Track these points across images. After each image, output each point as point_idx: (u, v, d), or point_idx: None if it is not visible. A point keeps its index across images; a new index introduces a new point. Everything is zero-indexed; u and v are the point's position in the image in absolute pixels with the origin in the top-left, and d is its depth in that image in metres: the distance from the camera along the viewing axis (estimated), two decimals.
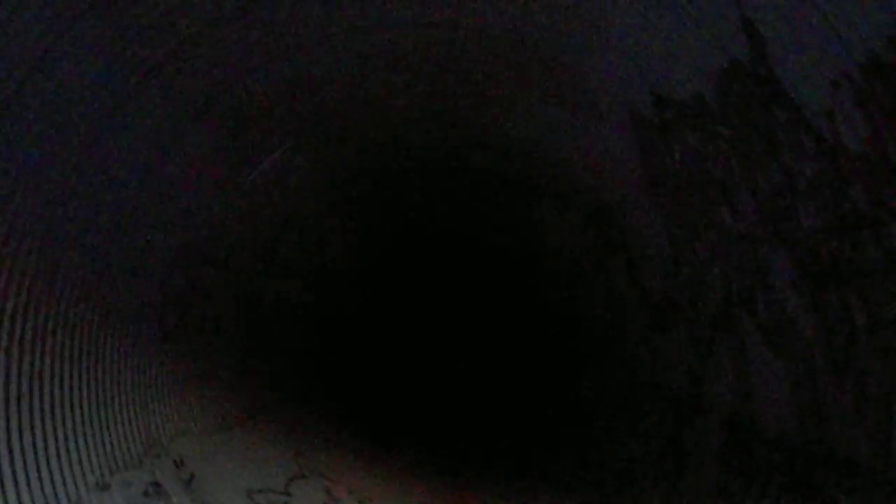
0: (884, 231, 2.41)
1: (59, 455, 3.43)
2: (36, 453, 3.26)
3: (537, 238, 7.34)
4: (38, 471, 3.25)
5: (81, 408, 3.70)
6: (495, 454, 8.08)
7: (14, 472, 3.08)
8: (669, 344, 4.71)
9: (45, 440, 3.34)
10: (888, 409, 2.50)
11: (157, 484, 4.08)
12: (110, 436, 3.93)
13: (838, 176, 2.57)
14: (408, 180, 7.02)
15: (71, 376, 3.62)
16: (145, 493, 3.92)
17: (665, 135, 3.74)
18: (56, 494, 3.29)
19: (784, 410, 3.24)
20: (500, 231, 8.11)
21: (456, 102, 5.11)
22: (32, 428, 3.27)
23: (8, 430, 3.10)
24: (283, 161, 5.46)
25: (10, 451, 3.10)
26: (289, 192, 5.93)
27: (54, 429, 3.42)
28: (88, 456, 3.67)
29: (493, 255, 9.26)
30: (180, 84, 3.76)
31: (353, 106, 5.20)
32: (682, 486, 4.15)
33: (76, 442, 3.58)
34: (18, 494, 3.07)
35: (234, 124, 4.52)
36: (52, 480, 3.32)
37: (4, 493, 2.99)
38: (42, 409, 3.36)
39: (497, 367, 10.92)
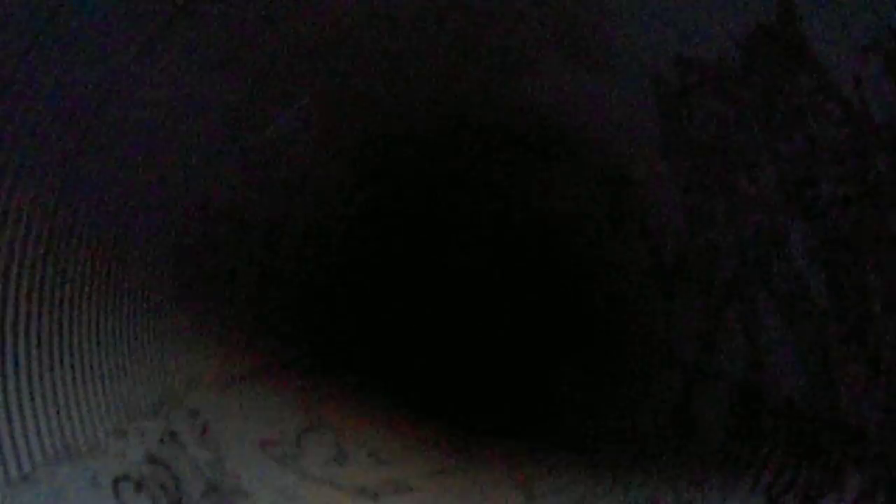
0: None
1: (77, 401, 3.51)
2: (56, 398, 3.35)
3: (550, 201, 7.30)
4: (59, 415, 3.34)
5: (99, 356, 3.78)
6: (504, 415, 8.18)
7: (36, 416, 3.17)
8: (682, 311, 4.71)
9: (64, 386, 3.42)
10: None
11: (172, 433, 4.18)
12: (127, 384, 4.01)
13: (862, 145, 2.53)
14: (423, 142, 6.98)
15: (89, 325, 3.69)
16: (161, 441, 4.02)
17: (686, 99, 3.68)
18: (76, 439, 3.38)
19: (794, 379, 3.24)
20: (514, 193, 8.07)
21: (475, 62, 5.04)
22: (52, 373, 3.35)
23: (29, 373, 3.18)
24: (299, 118, 5.44)
25: (32, 396, 3.18)
26: (304, 149, 5.92)
27: (73, 376, 3.50)
28: (106, 403, 3.76)
29: (506, 217, 9.24)
30: (197, 37, 3.73)
31: (369, 64, 5.14)
32: (690, 452, 4.19)
33: (94, 389, 3.67)
34: (40, 437, 3.16)
35: (252, 80, 4.49)
36: (71, 425, 3.41)
37: (26, 436, 3.08)
38: (62, 355, 3.43)
39: (507, 330, 10.99)
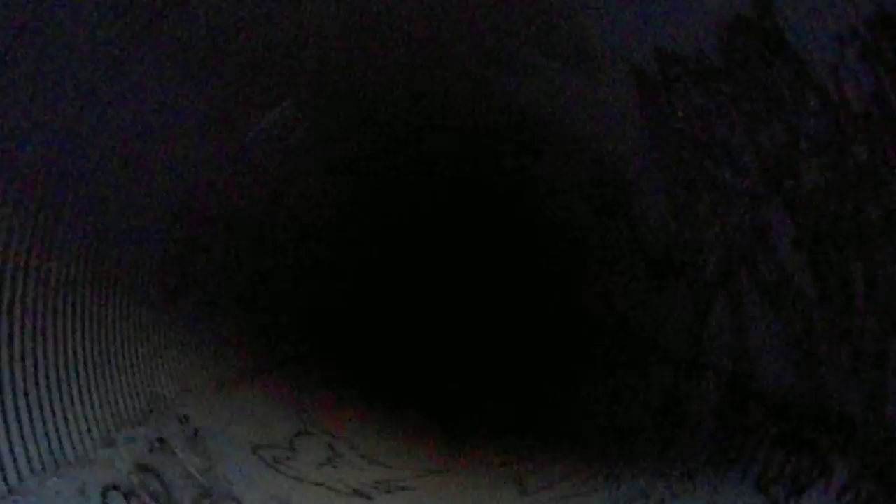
0: (885, 190, 2.38)
1: (64, 411, 3.48)
2: (42, 410, 3.31)
3: (537, 196, 7.31)
4: (45, 427, 3.30)
5: (85, 365, 3.74)
6: (496, 412, 8.19)
7: (21, 428, 3.13)
8: (669, 302, 4.72)
9: (49, 397, 3.38)
10: (883, 368, 2.51)
11: (162, 440, 4.15)
12: (115, 392, 3.98)
13: (841, 133, 2.54)
14: (408, 138, 6.96)
15: (74, 334, 3.66)
16: (150, 449, 3.99)
17: (667, 92, 3.69)
18: (63, 450, 3.35)
19: (781, 369, 3.25)
20: (500, 189, 8.07)
21: (456, 59, 5.03)
22: (37, 385, 3.31)
23: (14, 387, 3.15)
24: (282, 119, 5.41)
25: (17, 409, 3.14)
26: (289, 149, 5.89)
27: (59, 386, 3.47)
28: (94, 412, 3.72)
29: (493, 213, 9.24)
30: (178, 37, 3.70)
31: (352, 62, 5.12)
32: (680, 445, 4.20)
33: (81, 399, 3.63)
34: (26, 449, 3.13)
35: (233, 81, 4.46)
36: (58, 436, 3.37)
37: (12, 448, 3.05)
38: (46, 367, 3.40)
39: (498, 325, 10.99)
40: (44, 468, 3.18)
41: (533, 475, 5.43)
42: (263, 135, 5.37)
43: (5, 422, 3.05)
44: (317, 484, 5.01)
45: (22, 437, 3.12)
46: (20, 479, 3.01)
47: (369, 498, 5.02)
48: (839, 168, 2.63)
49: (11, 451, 3.04)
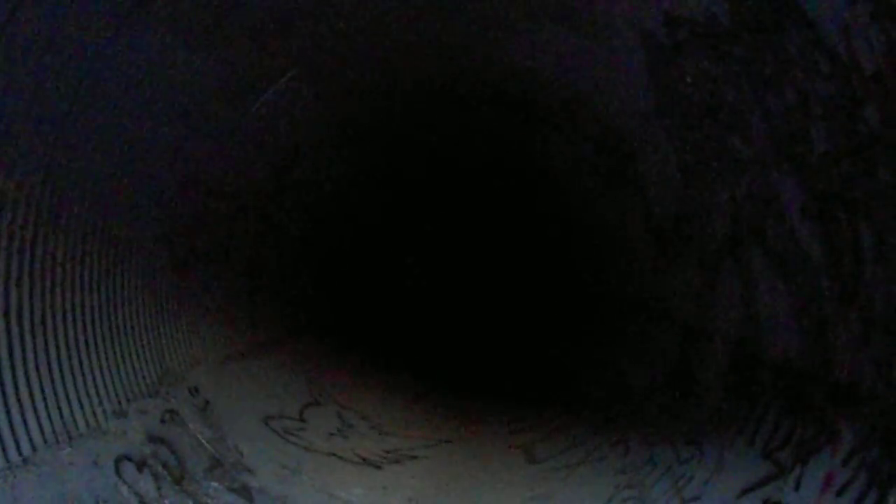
0: (895, 154, 2.34)
1: (76, 384, 3.52)
2: (53, 383, 3.35)
3: (546, 165, 7.26)
4: (57, 399, 3.34)
5: (96, 338, 3.77)
6: (505, 382, 8.23)
7: (33, 401, 3.17)
8: (677, 270, 4.70)
9: (61, 370, 3.42)
10: (892, 335, 2.49)
11: (173, 411, 4.20)
12: (126, 365, 4.02)
13: (852, 96, 2.49)
14: (414, 107, 6.91)
15: (83, 307, 3.68)
16: (162, 420, 4.04)
17: (676, 57, 3.62)
18: (75, 421, 3.40)
19: (789, 336, 3.24)
20: (508, 158, 8.01)
21: (464, 26, 4.96)
22: (48, 359, 3.35)
23: (24, 360, 3.18)
24: (287, 90, 5.37)
25: (28, 382, 3.18)
26: (294, 121, 5.86)
27: (69, 359, 3.50)
28: (105, 384, 3.76)
29: (501, 182, 9.19)
30: (180, 9, 3.66)
31: (357, 32, 5.06)
32: (687, 411, 4.22)
33: (92, 371, 3.67)
34: (39, 422, 3.17)
35: (236, 52, 4.42)
36: (70, 408, 3.42)
37: (25, 421, 3.09)
38: (57, 340, 3.43)
39: (506, 294, 11.01)
40: (57, 439, 3.23)
41: (541, 443, 5.48)
42: (269, 106, 5.34)
43: (17, 393, 3.09)
44: (327, 454, 5.07)
45: (35, 408, 3.17)
46: (34, 449, 3.06)
47: (379, 467, 5.08)
48: (849, 132, 2.59)
49: (25, 422, 3.08)
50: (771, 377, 3.35)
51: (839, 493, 2.54)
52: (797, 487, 2.77)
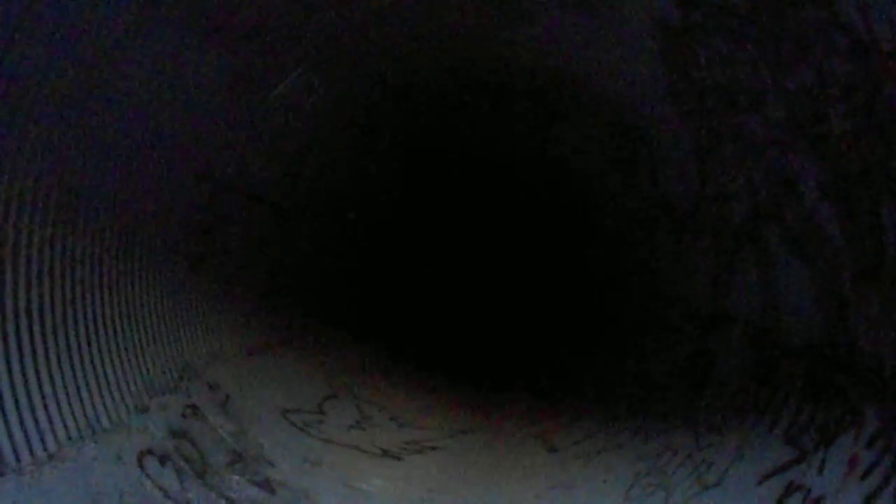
0: None
1: (98, 380, 3.56)
2: (76, 379, 3.39)
3: (558, 153, 7.21)
4: (80, 396, 3.38)
5: (115, 335, 3.81)
6: (522, 371, 8.23)
7: (57, 398, 3.21)
8: (694, 256, 4.67)
9: (83, 367, 3.46)
10: None
11: (193, 406, 4.24)
12: (146, 361, 4.06)
13: (872, 75, 2.45)
14: (426, 98, 6.89)
15: (103, 305, 3.72)
16: (183, 415, 4.08)
17: (690, 39, 3.58)
18: (98, 418, 3.44)
19: (810, 320, 3.21)
20: (521, 146, 7.98)
21: (474, 15, 4.93)
22: (70, 356, 3.39)
23: (47, 358, 3.22)
24: (299, 84, 5.37)
25: (52, 379, 3.22)
26: (306, 115, 5.86)
27: (91, 356, 3.54)
28: (126, 381, 3.80)
29: (514, 170, 9.16)
30: (190, 4, 3.67)
31: (368, 23, 5.05)
32: (707, 398, 4.19)
33: (113, 368, 3.71)
34: (63, 419, 3.21)
35: (247, 46, 4.42)
36: (93, 405, 3.46)
37: (49, 417, 3.13)
38: (78, 338, 3.47)
39: (522, 283, 10.98)
40: (81, 435, 3.27)
41: (561, 432, 5.47)
42: (280, 101, 5.34)
43: (42, 391, 3.13)
44: (347, 446, 5.09)
45: (58, 405, 3.21)
46: (59, 445, 3.10)
47: (399, 458, 5.10)
48: (869, 111, 2.55)
49: (49, 419, 3.12)
50: (792, 361, 3.32)
51: (864, 476, 2.52)
52: (821, 471, 2.75)
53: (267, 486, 4.04)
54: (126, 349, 3.88)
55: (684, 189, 4.66)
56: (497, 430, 5.94)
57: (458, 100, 6.90)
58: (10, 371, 2.96)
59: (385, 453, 5.13)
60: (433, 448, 5.39)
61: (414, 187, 9.87)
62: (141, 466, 3.43)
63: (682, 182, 4.63)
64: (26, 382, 3.05)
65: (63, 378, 3.29)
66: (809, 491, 2.73)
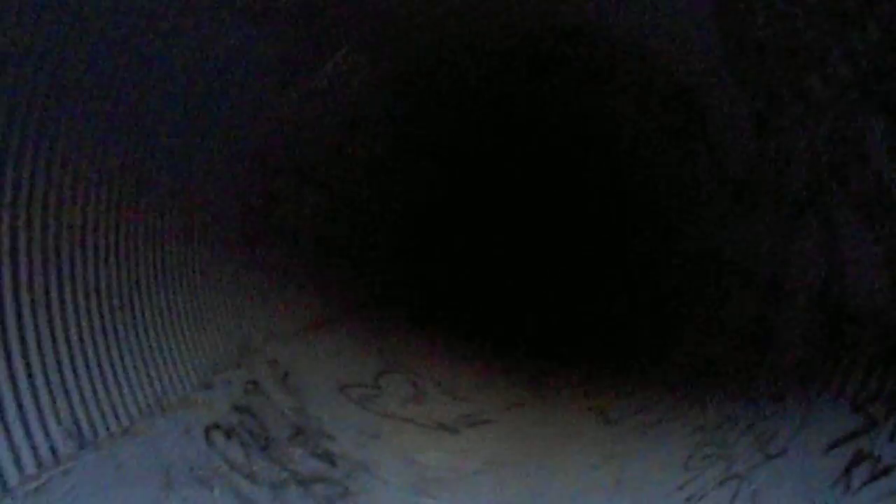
0: None
1: (164, 358, 3.70)
2: (143, 356, 3.53)
3: (614, 124, 7.09)
4: (148, 373, 3.52)
5: (178, 314, 3.94)
6: (578, 344, 8.19)
7: (127, 376, 3.35)
8: (753, 224, 4.54)
9: (150, 345, 3.60)
10: None
11: (255, 382, 4.36)
12: (209, 339, 4.19)
13: None
14: (476, 73, 6.83)
15: (165, 285, 3.84)
16: (245, 391, 4.20)
17: None
18: (165, 392, 3.57)
19: (876, 285, 3.10)
20: (576, 119, 7.86)
21: None
22: (137, 334, 3.52)
23: (116, 336, 3.36)
24: (345, 63, 5.40)
25: (122, 356, 3.36)
26: (353, 94, 5.89)
27: (157, 334, 3.68)
28: (191, 358, 3.94)
29: (569, 143, 9.03)
30: None
31: (410, 2, 5.02)
32: (768, 366, 4.10)
33: (178, 345, 3.85)
34: (134, 395, 3.35)
35: (294, 26, 4.46)
36: (160, 381, 3.60)
37: (121, 392, 3.27)
38: (143, 316, 3.60)
39: (577, 256, 10.88)
40: (151, 410, 3.40)
41: (616, 404, 5.44)
42: (327, 81, 5.38)
43: (114, 369, 3.27)
44: (404, 419, 5.18)
45: (129, 382, 3.34)
46: (131, 420, 3.24)
47: (456, 431, 5.16)
48: None
49: (121, 395, 3.26)
50: (858, 328, 3.21)
51: None
52: (892, 439, 2.67)
53: (327, 458, 4.14)
54: (189, 328, 4.01)
55: (741, 155, 4.53)
56: (552, 404, 5.95)
57: (509, 70, 6.82)
58: (83, 350, 3.09)
59: (441, 426, 5.19)
60: (489, 422, 5.43)
61: (465, 163, 9.85)
62: (207, 440, 3.56)
63: (739, 147, 4.50)
64: (99, 361, 3.18)
65: (132, 355, 3.43)
66: (879, 459, 2.65)
